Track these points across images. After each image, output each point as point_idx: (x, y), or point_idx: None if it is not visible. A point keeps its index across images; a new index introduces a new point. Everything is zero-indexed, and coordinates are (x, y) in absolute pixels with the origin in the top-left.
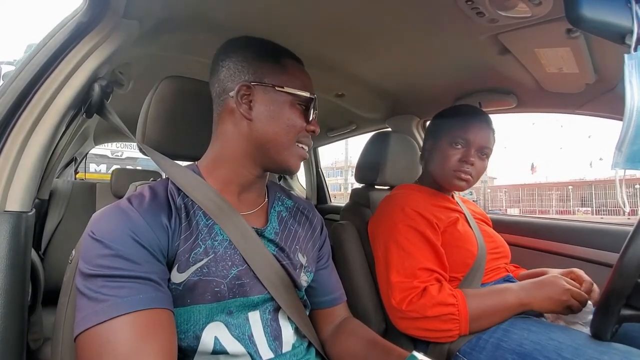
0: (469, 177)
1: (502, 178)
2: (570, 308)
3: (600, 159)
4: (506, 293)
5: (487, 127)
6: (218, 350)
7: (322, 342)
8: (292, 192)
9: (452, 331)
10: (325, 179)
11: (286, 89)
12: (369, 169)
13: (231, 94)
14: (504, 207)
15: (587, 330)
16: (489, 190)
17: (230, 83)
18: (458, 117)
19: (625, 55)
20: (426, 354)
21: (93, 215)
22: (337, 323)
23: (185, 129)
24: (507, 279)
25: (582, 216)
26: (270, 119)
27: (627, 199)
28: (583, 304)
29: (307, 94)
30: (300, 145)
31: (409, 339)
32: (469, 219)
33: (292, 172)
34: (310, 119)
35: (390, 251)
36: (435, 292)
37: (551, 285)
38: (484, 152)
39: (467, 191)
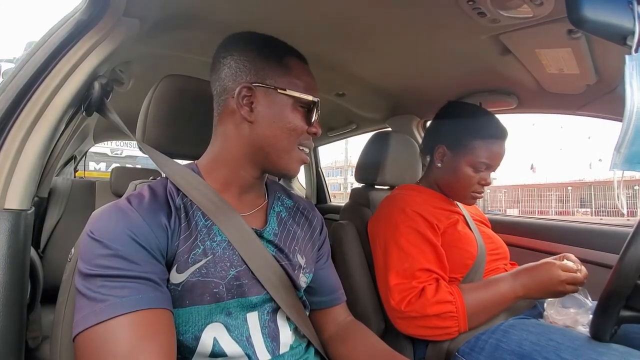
0: (481, 195)
1: (501, 178)
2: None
3: (600, 160)
4: (500, 284)
5: (504, 145)
6: (217, 352)
7: (324, 343)
8: (292, 191)
9: (451, 328)
10: (325, 178)
11: (288, 92)
12: (369, 168)
13: (232, 94)
14: (504, 208)
15: (586, 331)
16: (488, 191)
17: (232, 83)
18: (485, 139)
19: (626, 56)
20: (425, 354)
21: (92, 214)
22: (340, 324)
23: (185, 127)
24: None
25: (582, 217)
26: (272, 122)
27: (627, 200)
28: (580, 285)
29: (309, 97)
30: (301, 147)
31: (408, 339)
32: (468, 221)
33: (291, 176)
34: (312, 120)
35: (390, 252)
36: (432, 291)
37: (545, 273)
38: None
39: None
